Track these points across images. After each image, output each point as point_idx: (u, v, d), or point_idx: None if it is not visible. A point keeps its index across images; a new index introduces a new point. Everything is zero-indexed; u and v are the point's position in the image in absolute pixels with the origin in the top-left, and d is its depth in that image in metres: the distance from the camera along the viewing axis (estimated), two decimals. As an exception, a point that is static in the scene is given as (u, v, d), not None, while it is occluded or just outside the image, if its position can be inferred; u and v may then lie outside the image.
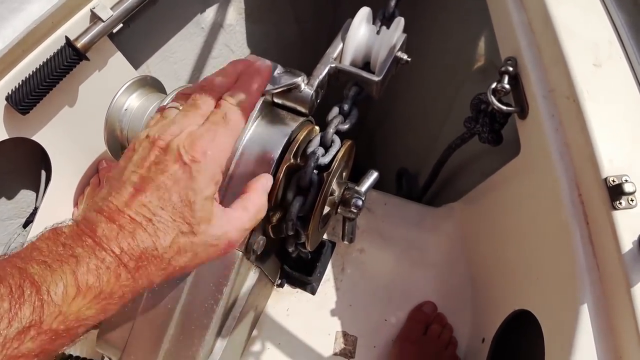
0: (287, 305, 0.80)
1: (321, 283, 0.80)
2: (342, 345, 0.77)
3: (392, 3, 0.69)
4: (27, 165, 0.80)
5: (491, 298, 0.74)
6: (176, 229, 0.36)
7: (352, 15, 0.64)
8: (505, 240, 0.70)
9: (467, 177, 0.89)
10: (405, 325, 0.79)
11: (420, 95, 1.06)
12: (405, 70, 0.68)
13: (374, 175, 0.61)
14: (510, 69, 0.61)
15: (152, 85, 0.71)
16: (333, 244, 0.82)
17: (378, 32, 0.66)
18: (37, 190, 0.82)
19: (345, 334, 0.77)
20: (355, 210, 0.58)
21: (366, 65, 0.67)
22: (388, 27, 0.66)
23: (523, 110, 0.61)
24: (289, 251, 0.65)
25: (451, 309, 0.80)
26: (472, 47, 0.87)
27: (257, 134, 0.57)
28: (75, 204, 0.84)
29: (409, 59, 0.65)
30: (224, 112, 0.39)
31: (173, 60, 0.91)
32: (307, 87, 0.59)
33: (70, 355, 0.70)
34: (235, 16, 0.96)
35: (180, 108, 0.40)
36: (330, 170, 0.57)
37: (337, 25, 0.65)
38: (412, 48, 0.66)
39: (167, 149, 0.36)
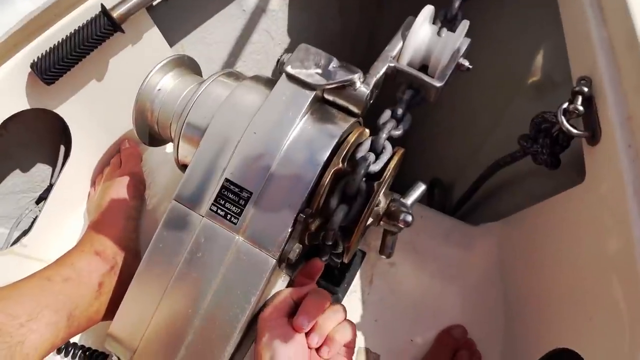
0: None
1: (347, 294, 0.75)
2: (363, 363, 0.73)
3: (456, 4, 0.64)
4: (46, 139, 0.76)
5: (528, 330, 0.69)
6: None
7: (397, 16, 0.59)
8: (553, 271, 0.65)
9: (509, 198, 0.84)
10: (432, 349, 0.74)
11: (463, 104, 1.01)
12: (457, 76, 0.63)
13: (421, 188, 0.56)
14: (585, 89, 0.56)
15: (189, 66, 0.67)
16: (363, 254, 0.77)
17: (439, 34, 0.61)
18: (53, 166, 0.78)
19: (367, 351, 0.73)
20: (402, 226, 0.53)
21: (422, 68, 0.62)
22: (449, 29, 0.61)
23: (594, 136, 0.55)
24: (321, 260, 0.61)
25: (481, 334, 0.75)
26: (527, 60, 0.81)
27: (304, 132, 0.53)
28: (93, 184, 0.80)
29: (471, 67, 0.60)
30: None
31: (209, 42, 0.86)
32: (362, 86, 0.55)
33: (75, 344, 0.66)
34: (279, 1, 0.90)
35: None
36: (381, 180, 0.52)
37: (379, 23, 0.61)
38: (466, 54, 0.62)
39: None
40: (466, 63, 0.60)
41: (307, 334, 0.52)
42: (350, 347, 0.54)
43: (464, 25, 0.59)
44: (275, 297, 0.55)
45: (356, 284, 0.78)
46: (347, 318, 0.56)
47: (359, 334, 0.74)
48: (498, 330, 0.75)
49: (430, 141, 1.14)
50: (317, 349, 0.52)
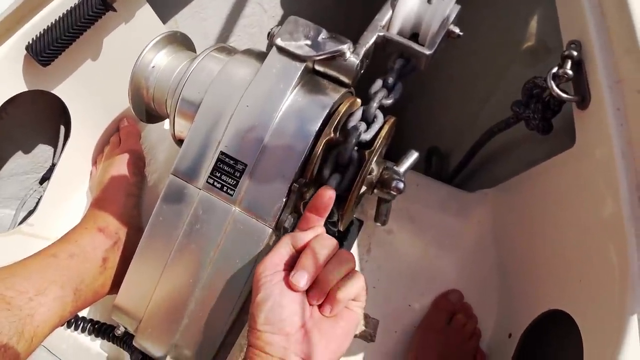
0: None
1: (345, 262, 0.77)
2: (363, 328, 0.74)
3: (447, -30, 0.64)
4: (46, 120, 0.77)
5: (522, 293, 0.71)
6: None
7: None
8: (546, 235, 0.67)
9: (503, 164, 0.85)
10: (429, 313, 0.76)
11: (460, 72, 1.00)
12: (447, 44, 0.63)
13: (414, 156, 0.57)
14: (575, 53, 0.56)
15: (182, 42, 0.67)
16: (360, 223, 0.79)
17: (429, 2, 0.61)
18: (55, 146, 0.79)
19: (366, 317, 0.74)
20: (394, 193, 0.54)
21: (413, 36, 0.62)
22: (439, -4, 0.61)
23: (584, 100, 0.56)
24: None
25: (477, 299, 0.77)
26: (522, 26, 0.81)
27: (296, 104, 0.53)
28: (94, 163, 0.81)
29: (461, 33, 0.60)
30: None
31: (203, 17, 0.86)
32: (352, 56, 0.55)
33: (84, 318, 0.69)
34: (270, -26, 0.90)
35: None
36: (372, 148, 0.53)
37: None
38: (457, 20, 0.62)
39: None
40: (456, 30, 0.60)
41: (307, 291, 0.46)
42: (358, 300, 0.49)
43: (453, -8, 0.59)
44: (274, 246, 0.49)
45: (354, 252, 0.79)
46: (354, 269, 0.49)
47: (358, 300, 0.76)
48: (493, 294, 0.77)
49: (429, 110, 1.14)
50: (320, 306, 0.47)
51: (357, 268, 0.79)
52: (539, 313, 0.64)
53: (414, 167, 0.78)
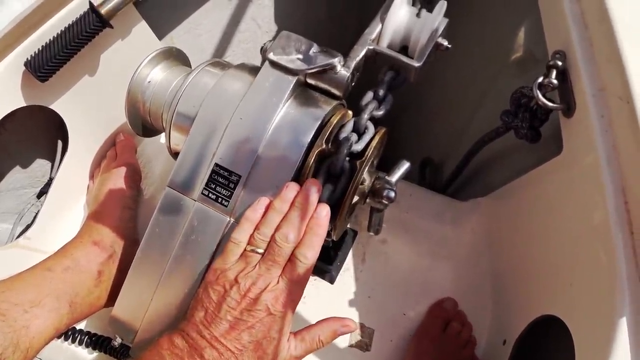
0: (304, 293, 0.78)
1: (340, 272, 0.78)
2: (359, 337, 0.75)
3: (434, -15, 0.66)
4: (44, 135, 0.78)
5: (516, 299, 0.72)
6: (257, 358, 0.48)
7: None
8: (537, 241, 0.68)
9: (495, 172, 0.86)
10: (425, 321, 0.77)
11: (450, 83, 1.02)
12: (437, 56, 0.65)
13: (405, 166, 0.58)
14: (559, 63, 0.57)
15: (177, 57, 0.68)
16: (355, 233, 0.79)
17: (418, 15, 0.62)
18: (52, 161, 0.80)
19: (362, 326, 0.75)
20: (386, 202, 0.55)
21: (403, 49, 0.64)
22: (428, 10, 0.63)
23: (569, 108, 0.57)
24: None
25: (471, 306, 0.78)
26: (510, 37, 0.83)
27: (288, 116, 0.55)
28: (91, 177, 0.82)
29: (450, 46, 0.62)
30: (298, 272, 0.49)
31: (198, 33, 0.88)
32: (343, 69, 0.56)
33: (80, 330, 0.69)
34: (264, -10, 0.92)
35: (260, 251, 0.50)
36: (363, 158, 0.54)
37: (366, 5, 0.62)
38: (446, 33, 0.63)
39: (256, 301, 0.47)
40: (445, 43, 0.61)
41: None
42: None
43: (441, 6, 0.61)
44: None
45: (349, 262, 0.80)
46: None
47: (353, 310, 0.77)
48: (487, 301, 0.78)
49: (421, 122, 1.16)
50: None
51: (352, 278, 0.81)
52: (532, 319, 0.65)
53: (408, 178, 0.80)
